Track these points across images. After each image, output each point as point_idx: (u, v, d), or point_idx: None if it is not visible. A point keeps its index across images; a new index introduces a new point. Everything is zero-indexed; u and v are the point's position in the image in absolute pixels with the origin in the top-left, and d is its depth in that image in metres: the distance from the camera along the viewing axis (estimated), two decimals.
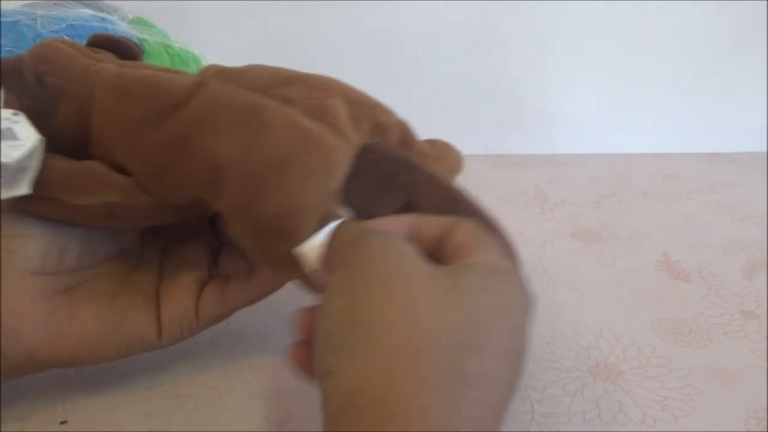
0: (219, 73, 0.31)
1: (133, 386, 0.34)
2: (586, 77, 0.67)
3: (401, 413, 0.19)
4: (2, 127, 0.29)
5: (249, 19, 0.67)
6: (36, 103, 0.31)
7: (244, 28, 0.68)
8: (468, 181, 0.63)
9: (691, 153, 0.68)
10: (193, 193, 0.29)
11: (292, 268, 0.28)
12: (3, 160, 0.29)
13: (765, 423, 0.30)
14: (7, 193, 0.29)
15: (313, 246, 0.27)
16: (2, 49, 0.44)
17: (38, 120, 0.30)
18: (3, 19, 0.46)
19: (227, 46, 0.65)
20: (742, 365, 0.34)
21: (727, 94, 0.67)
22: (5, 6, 0.50)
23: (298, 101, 0.29)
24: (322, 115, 0.29)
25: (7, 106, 0.31)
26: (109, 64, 0.32)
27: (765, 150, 0.67)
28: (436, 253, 0.26)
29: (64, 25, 0.47)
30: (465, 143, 0.72)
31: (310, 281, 0.28)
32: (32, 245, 0.31)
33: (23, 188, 0.29)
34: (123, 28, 0.50)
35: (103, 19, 0.49)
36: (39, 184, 0.29)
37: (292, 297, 0.34)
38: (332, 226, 0.27)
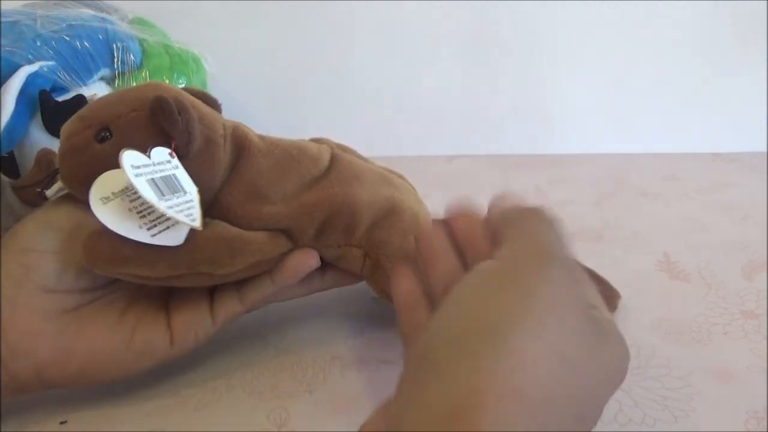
0: (341, 147, 0.38)
1: (133, 386, 0.34)
2: (586, 77, 0.67)
3: None
4: (167, 173, 0.30)
5: (249, 19, 0.67)
6: (183, 145, 0.31)
7: (244, 29, 0.68)
8: (468, 181, 0.63)
9: (691, 153, 0.68)
10: (339, 239, 0.35)
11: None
12: (192, 224, 0.29)
13: (765, 423, 0.30)
14: (166, 242, 0.30)
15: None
16: (2, 49, 0.44)
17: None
18: (3, 19, 0.46)
19: (227, 46, 0.65)
20: (742, 365, 0.34)
21: (727, 94, 0.67)
22: (5, 6, 0.50)
23: (397, 175, 0.40)
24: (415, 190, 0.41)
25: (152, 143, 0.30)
26: (230, 122, 0.35)
27: (765, 150, 0.67)
28: None
29: (64, 25, 0.47)
30: (465, 143, 0.72)
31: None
32: (51, 262, 0.30)
33: (181, 238, 0.30)
34: (123, 28, 0.50)
35: (103, 19, 0.49)
36: (182, 262, 0.30)
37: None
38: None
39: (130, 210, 0.29)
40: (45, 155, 0.35)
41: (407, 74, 0.69)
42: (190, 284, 0.32)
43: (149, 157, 0.29)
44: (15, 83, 0.43)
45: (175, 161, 0.30)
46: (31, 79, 0.43)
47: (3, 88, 0.43)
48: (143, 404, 0.33)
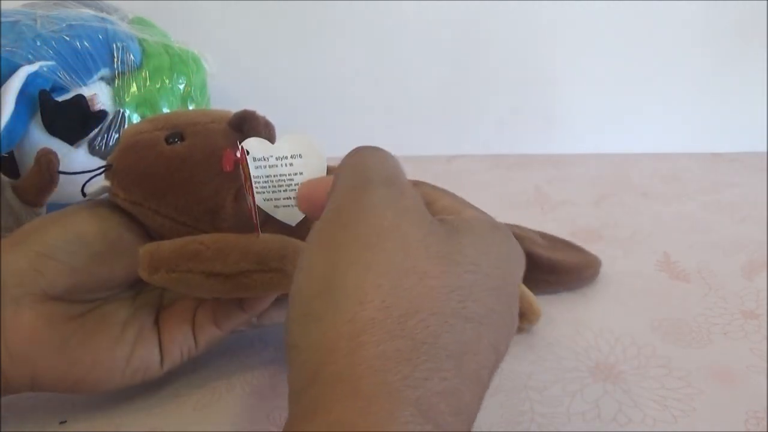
0: None
1: (133, 387, 0.34)
2: (586, 77, 0.67)
3: (365, 390, 0.18)
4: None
5: (249, 19, 0.67)
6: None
7: (244, 28, 0.68)
8: (468, 181, 0.63)
9: (691, 153, 0.68)
10: None
11: None
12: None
13: (765, 423, 0.30)
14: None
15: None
16: (2, 49, 0.44)
17: None
18: (3, 19, 0.46)
19: (227, 46, 0.65)
20: (742, 365, 0.34)
21: (727, 94, 0.67)
22: (5, 6, 0.50)
23: None
24: None
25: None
26: None
27: (765, 150, 0.67)
28: None
29: (64, 25, 0.47)
30: (465, 143, 0.72)
31: None
32: (66, 276, 0.29)
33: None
34: (123, 28, 0.50)
35: (103, 19, 0.49)
36: (253, 252, 0.29)
37: None
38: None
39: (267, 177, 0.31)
40: (45, 155, 0.35)
41: (407, 74, 0.69)
42: (260, 288, 0.30)
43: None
44: (15, 83, 0.42)
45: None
46: (31, 79, 0.43)
47: (3, 88, 0.43)
48: (143, 404, 0.33)
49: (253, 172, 0.29)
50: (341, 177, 0.23)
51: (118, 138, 0.47)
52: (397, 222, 0.21)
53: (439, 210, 0.25)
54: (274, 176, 0.31)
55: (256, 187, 0.30)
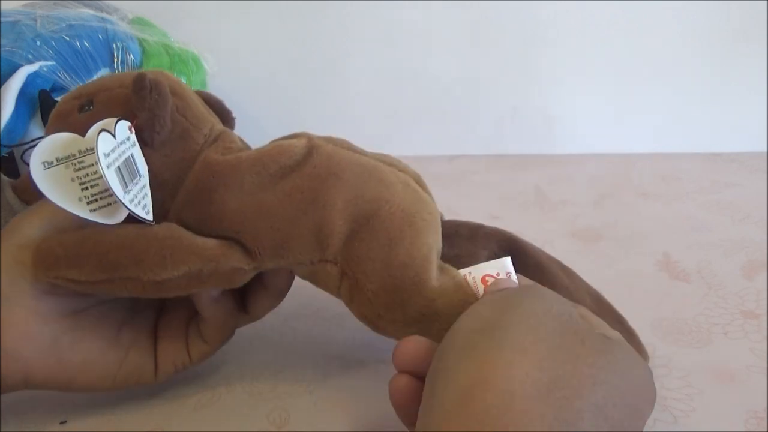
0: (327, 139, 0.32)
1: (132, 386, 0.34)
2: (586, 77, 0.67)
3: (517, 410, 0.19)
4: (126, 154, 0.28)
5: (248, 19, 0.67)
6: (147, 127, 0.29)
7: (244, 28, 0.68)
8: (468, 181, 0.63)
9: (691, 153, 0.68)
10: (309, 253, 0.29)
11: (421, 321, 0.29)
12: (146, 217, 0.28)
13: (765, 423, 0.30)
14: (103, 219, 0.28)
15: (479, 272, 0.29)
16: (2, 49, 0.44)
17: (140, 144, 0.29)
18: (3, 19, 0.46)
19: (227, 46, 0.65)
20: (742, 365, 0.34)
21: (727, 94, 0.67)
22: (5, 6, 0.50)
23: (399, 167, 0.32)
24: (421, 182, 0.33)
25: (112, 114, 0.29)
26: (222, 128, 0.32)
27: (765, 150, 0.67)
28: None
29: (64, 25, 0.47)
30: (465, 143, 0.72)
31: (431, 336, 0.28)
32: None
33: (119, 218, 0.28)
34: (123, 28, 0.50)
35: (103, 19, 0.49)
36: (110, 262, 0.27)
37: (291, 296, 0.34)
38: (503, 261, 0.29)
39: (72, 180, 0.27)
40: None
41: (407, 74, 0.69)
42: (123, 293, 0.29)
43: (114, 135, 0.28)
44: (15, 83, 0.43)
45: (134, 138, 0.29)
46: (31, 79, 0.43)
47: (3, 88, 0.43)
48: (143, 404, 0.33)
49: (105, 171, 0.27)
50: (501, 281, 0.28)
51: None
52: (563, 313, 0.23)
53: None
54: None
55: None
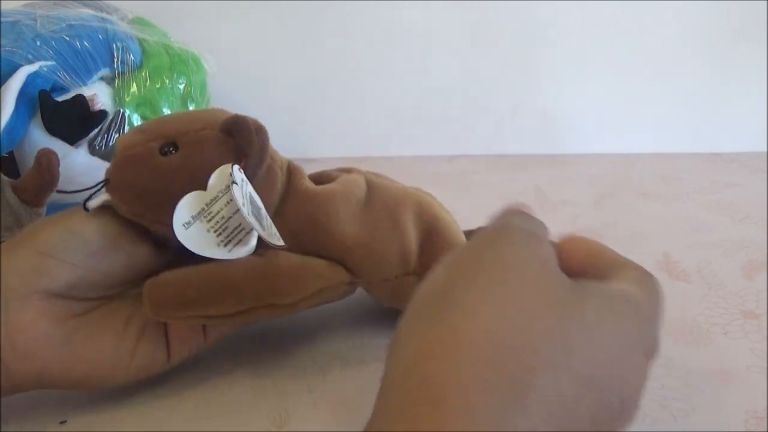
0: (370, 173, 0.37)
1: (133, 386, 0.34)
2: (586, 77, 0.67)
3: (448, 403, 0.18)
4: (248, 194, 0.30)
5: (249, 19, 0.67)
6: (253, 166, 0.31)
7: (244, 29, 0.68)
8: (468, 181, 0.63)
9: (691, 153, 0.68)
10: (396, 269, 0.34)
11: None
12: (279, 243, 0.31)
13: (765, 423, 0.30)
14: (242, 254, 0.30)
15: None
16: (2, 49, 0.44)
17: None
18: (3, 19, 0.46)
19: (227, 46, 0.65)
20: (742, 365, 0.34)
21: (727, 94, 0.67)
22: (5, 6, 0.50)
23: (421, 190, 0.38)
24: (434, 197, 0.39)
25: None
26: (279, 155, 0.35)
27: (765, 150, 0.67)
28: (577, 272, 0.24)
29: (64, 24, 0.47)
30: (465, 143, 0.72)
31: None
32: (67, 273, 0.29)
33: (252, 247, 0.31)
34: (123, 28, 0.50)
35: (103, 19, 0.49)
36: (247, 295, 0.30)
37: None
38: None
39: (207, 231, 0.30)
40: (45, 155, 0.35)
41: (407, 74, 0.69)
42: (259, 318, 0.32)
43: (235, 180, 0.30)
44: (15, 83, 0.43)
45: (244, 176, 0.31)
46: (31, 79, 0.43)
47: (3, 88, 0.43)
48: (143, 404, 0.33)
49: (239, 198, 0.30)
50: (490, 222, 0.26)
51: (117, 139, 0.47)
52: (525, 264, 0.22)
53: (605, 264, 0.26)
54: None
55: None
